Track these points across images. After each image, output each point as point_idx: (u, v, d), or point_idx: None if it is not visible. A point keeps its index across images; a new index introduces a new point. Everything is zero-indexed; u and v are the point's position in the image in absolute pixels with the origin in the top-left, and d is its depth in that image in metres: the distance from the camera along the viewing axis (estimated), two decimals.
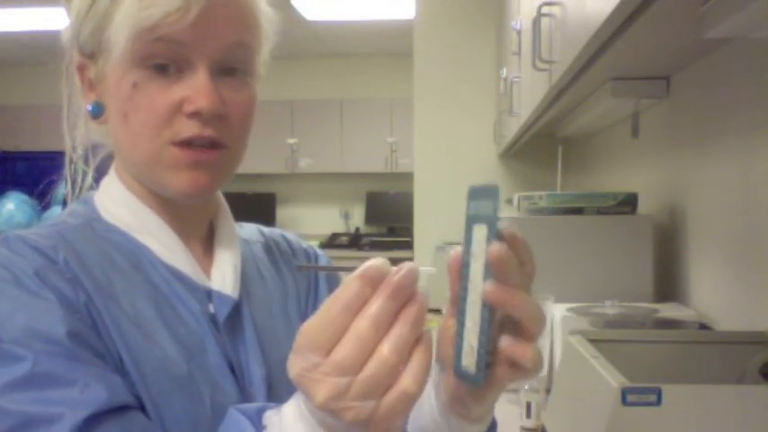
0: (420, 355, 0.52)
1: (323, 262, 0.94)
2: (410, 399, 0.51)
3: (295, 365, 0.52)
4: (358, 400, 0.50)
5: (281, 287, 0.87)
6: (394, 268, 0.52)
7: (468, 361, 0.55)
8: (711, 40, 1.25)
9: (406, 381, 0.51)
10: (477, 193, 0.57)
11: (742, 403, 0.88)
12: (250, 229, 0.92)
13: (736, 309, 1.37)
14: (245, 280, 0.82)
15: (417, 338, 0.52)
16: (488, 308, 0.54)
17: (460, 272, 0.56)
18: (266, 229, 0.94)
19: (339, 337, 0.51)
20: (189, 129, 0.71)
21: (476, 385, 0.55)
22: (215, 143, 0.73)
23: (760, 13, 0.93)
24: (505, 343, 0.54)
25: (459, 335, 0.56)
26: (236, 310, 0.78)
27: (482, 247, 0.54)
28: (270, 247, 0.91)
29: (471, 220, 0.57)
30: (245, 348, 0.77)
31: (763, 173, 1.24)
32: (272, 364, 0.78)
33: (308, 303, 0.89)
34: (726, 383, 1.00)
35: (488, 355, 0.54)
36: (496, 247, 0.52)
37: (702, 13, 1.01)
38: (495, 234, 0.53)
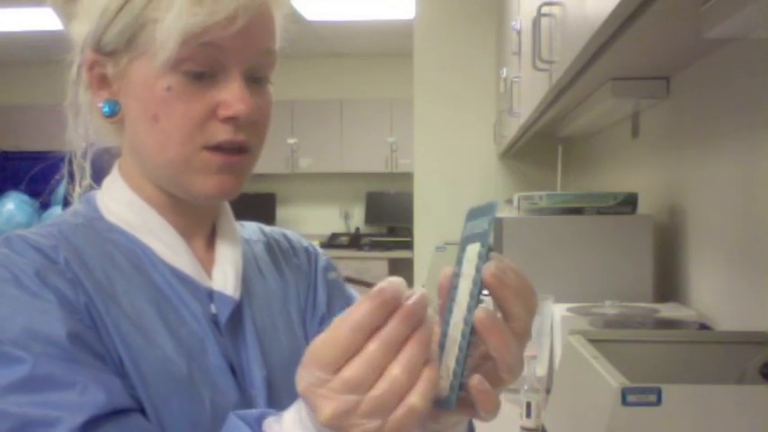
0: (428, 373, 0.52)
1: (323, 261, 0.94)
2: (417, 415, 0.51)
3: (303, 380, 0.52)
4: (365, 417, 0.50)
5: (282, 287, 0.87)
6: (406, 292, 0.52)
7: (444, 384, 0.54)
8: (711, 40, 1.25)
9: (414, 397, 0.51)
10: (473, 214, 0.56)
11: (742, 403, 0.88)
12: (251, 229, 0.92)
13: (737, 309, 1.37)
14: (246, 280, 0.82)
15: (426, 360, 0.52)
16: (470, 328, 0.52)
17: (449, 294, 0.56)
18: (267, 228, 0.94)
19: (348, 356, 0.51)
20: (223, 133, 0.72)
21: (447, 409, 0.54)
22: (244, 148, 0.74)
23: (760, 13, 0.93)
24: (474, 382, 0.53)
25: (440, 359, 0.55)
26: (238, 311, 0.78)
27: (472, 265, 0.54)
28: (271, 246, 0.90)
29: (465, 241, 0.56)
30: (245, 349, 0.77)
31: (763, 173, 1.24)
32: (273, 365, 0.78)
33: (308, 302, 0.89)
34: (726, 383, 1.00)
35: (461, 379, 0.53)
36: (490, 264, 0.52)
37: (702, 13, 1.01)
38: (486, 249, 0.53)
